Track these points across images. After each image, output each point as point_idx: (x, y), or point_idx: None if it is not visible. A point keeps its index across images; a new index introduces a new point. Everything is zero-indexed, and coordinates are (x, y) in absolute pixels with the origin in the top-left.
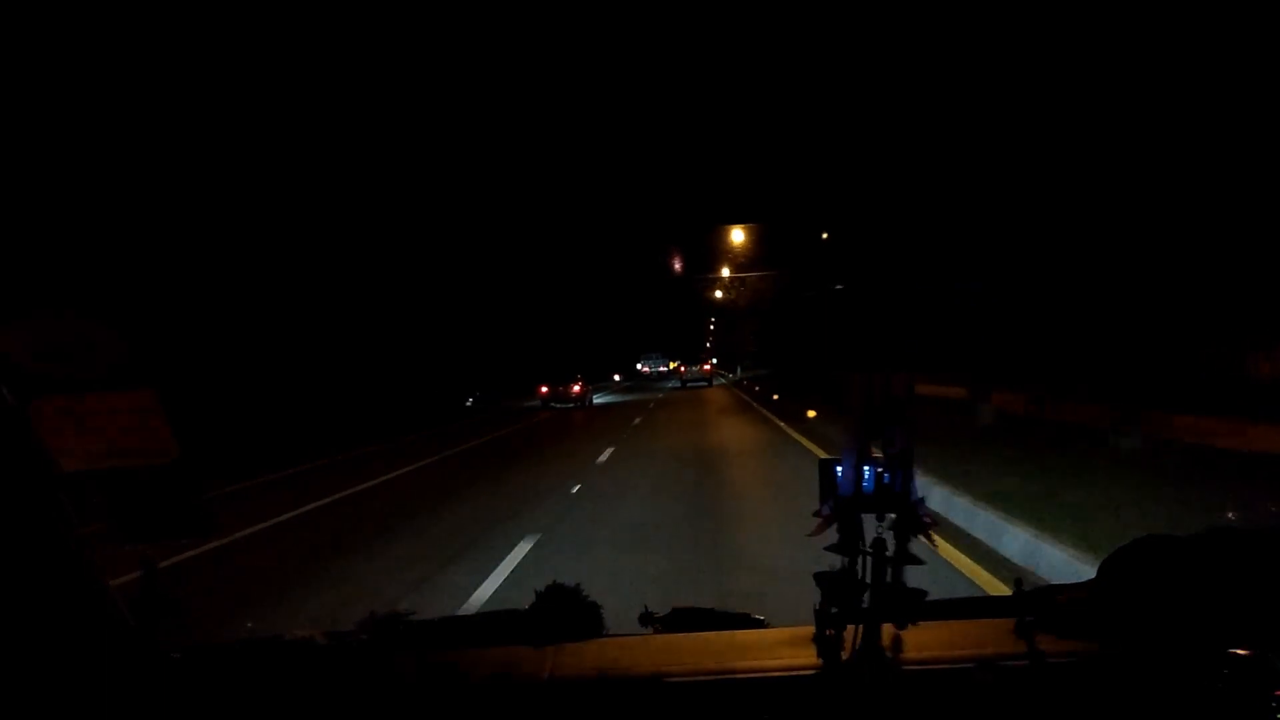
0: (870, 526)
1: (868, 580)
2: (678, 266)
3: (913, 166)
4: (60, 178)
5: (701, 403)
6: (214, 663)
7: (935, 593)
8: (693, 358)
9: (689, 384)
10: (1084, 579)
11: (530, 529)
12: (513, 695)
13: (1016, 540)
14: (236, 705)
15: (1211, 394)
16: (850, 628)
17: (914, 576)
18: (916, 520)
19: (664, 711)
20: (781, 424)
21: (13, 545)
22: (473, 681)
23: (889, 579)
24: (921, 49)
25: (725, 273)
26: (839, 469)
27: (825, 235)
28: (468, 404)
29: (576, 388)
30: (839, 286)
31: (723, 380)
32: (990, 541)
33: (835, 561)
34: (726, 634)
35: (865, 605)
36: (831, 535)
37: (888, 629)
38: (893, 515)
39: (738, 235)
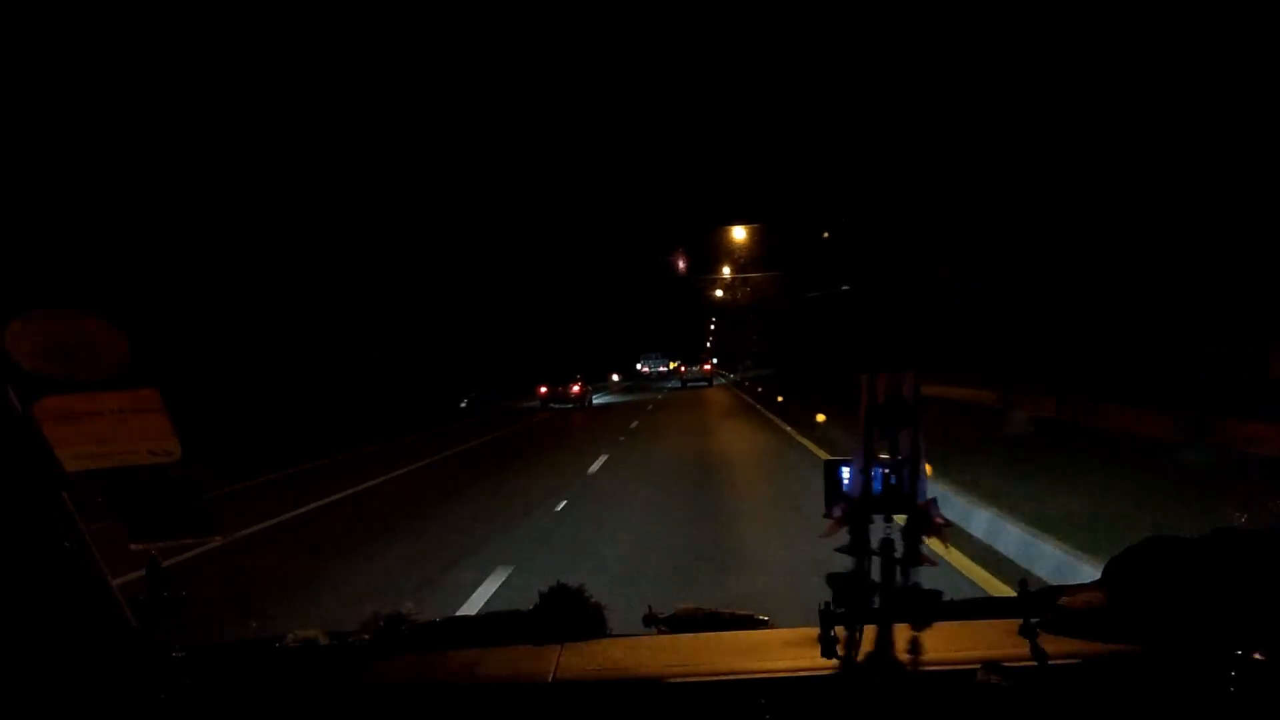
0: (882, 529)
1: (879, 581)
2: (680, 266)
3: (915, 166)
4: (62, 178)
5: (702, 404)
6: (216, 663)
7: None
8: (693, 358)
9: (689, 384)
10: None
11: (502, 559)
12: (517, 696)
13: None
14: (239, 705)
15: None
16: (857, 629)
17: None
18: (928, 522)
19: (669, 712)
20: (788, 429)
21: (16, 545)
22: (476, 682)
23: (900, 580)
24: (923, 50)
25: (726, 272)
26: (843, 470)
27: (826, 235)
28: (462, 405)
29: (576, 388)
30: (845, 287)
31: (723, 380)
32: (1061, 578)
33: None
34: (730, 634)
35: (876, 606)
36: (841, 538)
37: (900, 630)
38: (903, 517)
39: (739, 235)
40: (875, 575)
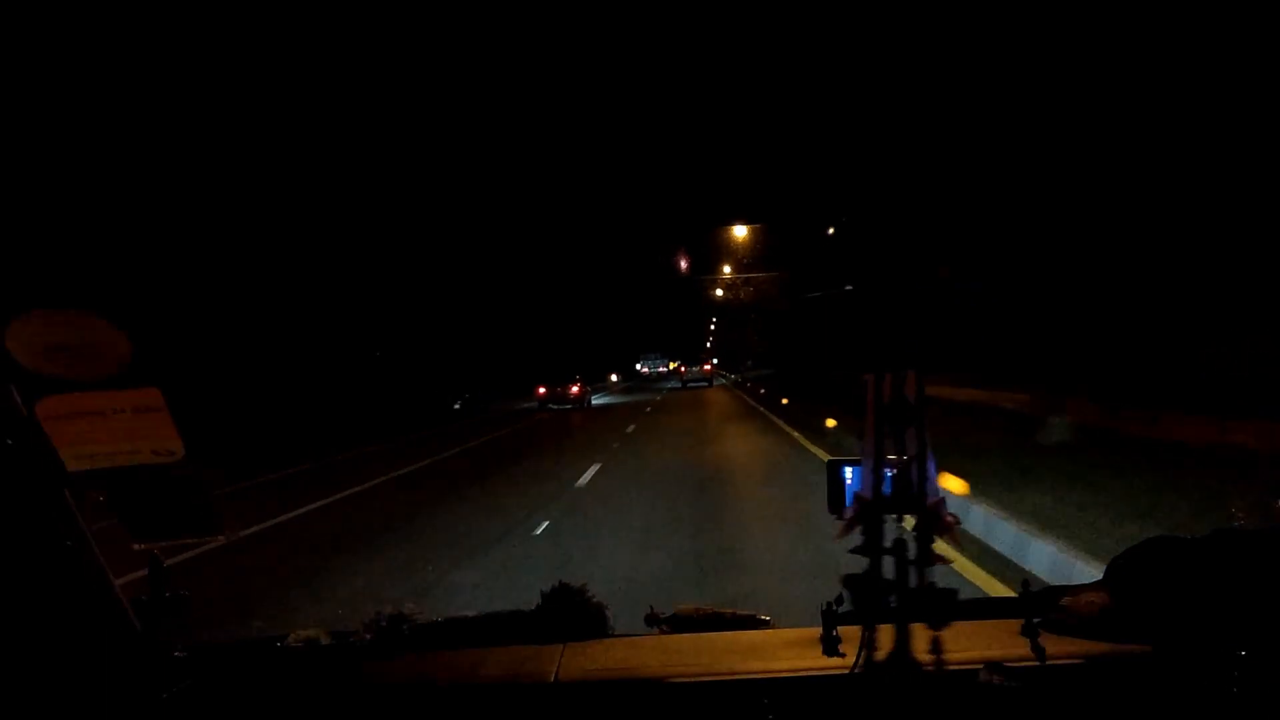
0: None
1: (893, 582)
2: (683, 266)
3: (915, 166)
4: (63, 178)
5: (702, 406)
6: (218, 662)
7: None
8: (693, 358)
9: (689, 384)
10: None
11: (464, 600)
12: (519, 696)
13: None
14: (241, 705)
15: None
16: (858, 629)
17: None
18: (938, 520)
19: (672, 713)
20: (795, 434)
21: (18, 544)
22: (478, 682)
23: (915, 579)
24: (924, 49)
25: (727, 271)
26: (846, 469)
27: (831, 231)
28: (456, 406)
29: (575, 389)
30: (848, 287)
31: (723, 381)
32: None
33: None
34: (732, 635)
35: (894, 605)
36: (852, 539)
37: (902, 631)
38: (913, 516)
39: (740, 234)
40: (884, 576)
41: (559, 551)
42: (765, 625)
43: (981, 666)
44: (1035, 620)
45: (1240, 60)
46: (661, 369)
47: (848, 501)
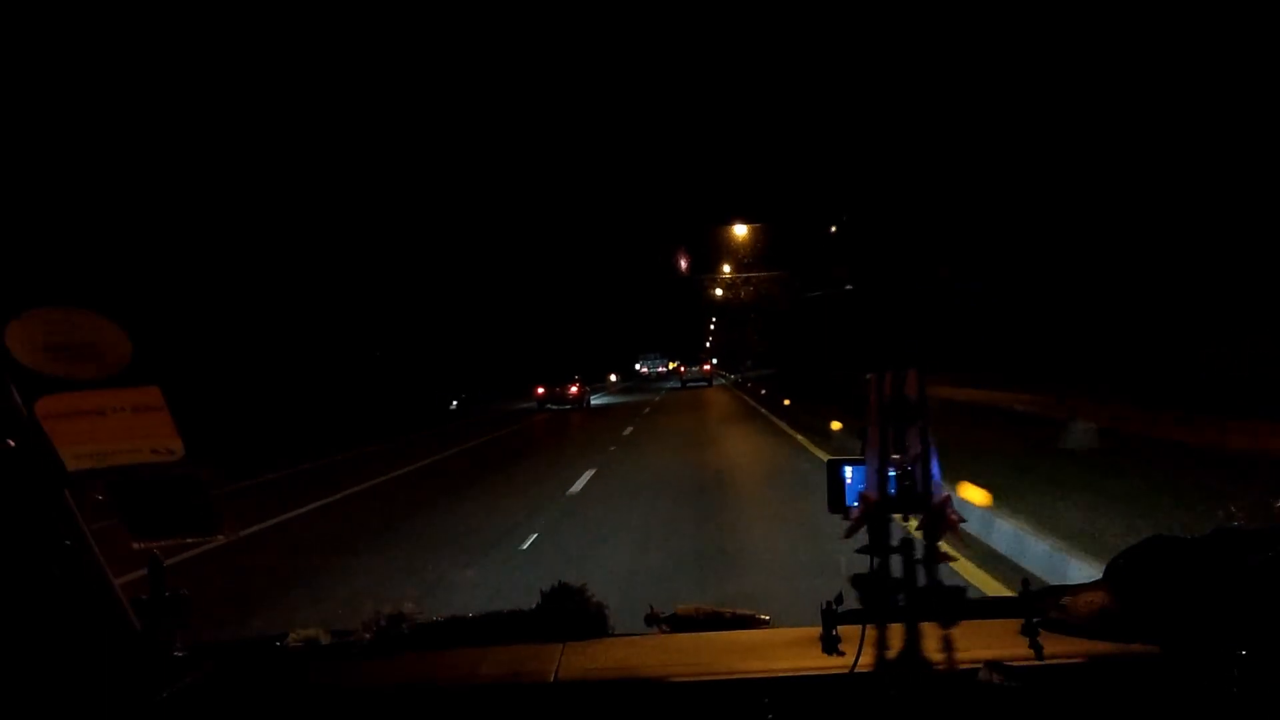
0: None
1: (900, 581)
2: (683, 265)
3: (916, 165)
4: (63, 178)
5: (702, 406)
6: (218, 661)
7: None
8: (692, 358)
9: (689, 384)
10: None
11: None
12: (519, 695)
13: None
14: (241, 704)
15: None
16: (858, 628)
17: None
18: (943, 519)
19: (672, 712)
20: (799, 437)
21: (18, 544)
22: (478, 681)
23: (926, 578)
24: (925, 49)
25: (726, 270)
26: (846, 469)
27: (833, 229)
28: (452, 407)
29: (574, 389)
30: (848, 286)
31: (723, 381)
32: None
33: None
34: (732, 634)
35: (903, 604)
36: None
37: (903, 630)
38: (918, 515)
39: (740, 233)
40: (891, 575)
41: (544, 564)
42: (764, 625)
43: (981, 666)
44: (1035, 620)
45: (1241, 61)
46: (661, 369)
47: (848, 501)
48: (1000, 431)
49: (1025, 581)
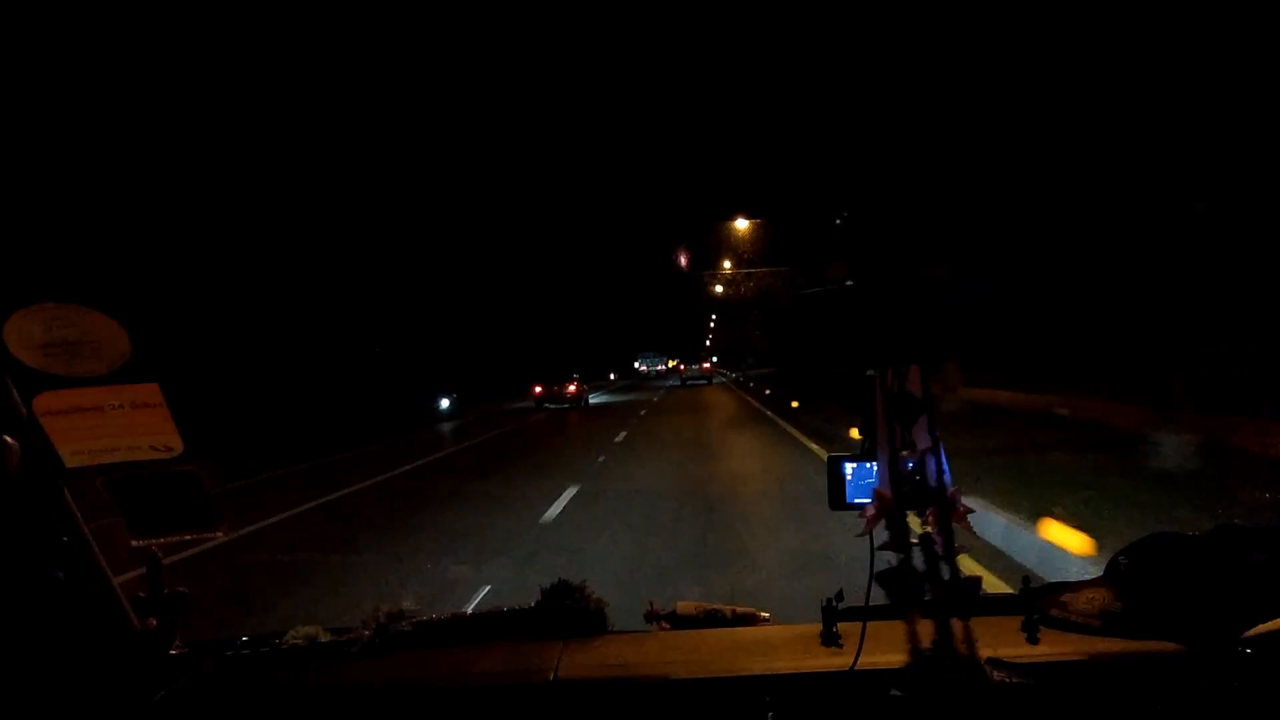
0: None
1: (922, 576)
2: (682, 262)
3: (917, 163)
4: (64, 176)
5: (703, 408)
6: (217, 659)
7: None
8: (692, 356)
9: (688, 382)
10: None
11: None
12: (519, 693)
13: None
14: (240, 702)
15: None
16: (858, 625)
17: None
18: (954, 511)
19: (672, 709)
20: (814, 446)
21: (18, 542)
22: (478, 679)
23: (945, 572)
24: (929, 44)
25: (727, 266)
26: (846, 465)
27: (839, 220)
28: (443, 407)
29: (572, 388)
30: (849, 282)
31: (723, 379)
32: None
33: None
34: (732, 631)
35: (929, 599)
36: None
37: (901, 626)
38: (931, 509)
39: (740, 229)
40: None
41: None
42: (765, 622)
43: (983, 663)
44: (1036, 617)
45: (1241, 62)
46: (660, 367)
47: (849, 498)
48: (1059, 443)
49: (1026, 579)
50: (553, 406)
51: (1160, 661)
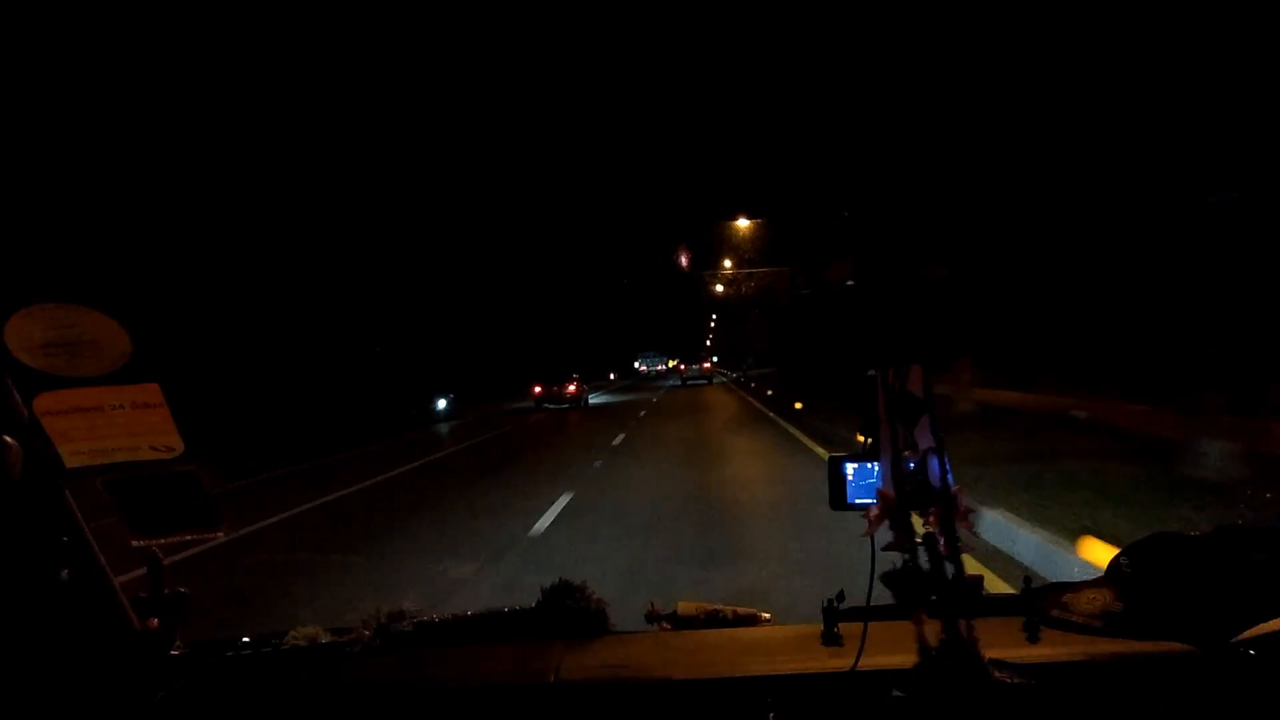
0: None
1: (927, 575)
2: (683, 262)
3: (917, 163)
4: (63, 176)
5: (704, 409)
6: (218, 660)
7: None
8: (692, 356)
9: (689, 382)
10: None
11: None
12: (519, 693)
13: None
14: (240, 702)
15: None
16: (859, 626)
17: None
18: (956, 510)
19: (674, 710)
20: (821, 451)
21: (19, 542)
22: (478, 679)
23: (950, 571)
24: (930, 43)
25: (728, 266)
26: (847, 465)
27: (841, 216)
28: (439, 407)
29: (571, 388)
30: (849, 282)
31: (723, 379)
32: None
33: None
34: (733, 632)
35: (905, 602)
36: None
37: (904, 627)
38: (933, 509)
39: (741, 228)
40: (919, 570)
41: None
42: (765, 622)
43: (984, 663)
44: (1037, 617)
45: (1242, 62)
46: (660, 367)
47: (849, 498)
48: (1083, 449)
49: (1027, 579)
50: (552, 407)
51: (1162, 662)
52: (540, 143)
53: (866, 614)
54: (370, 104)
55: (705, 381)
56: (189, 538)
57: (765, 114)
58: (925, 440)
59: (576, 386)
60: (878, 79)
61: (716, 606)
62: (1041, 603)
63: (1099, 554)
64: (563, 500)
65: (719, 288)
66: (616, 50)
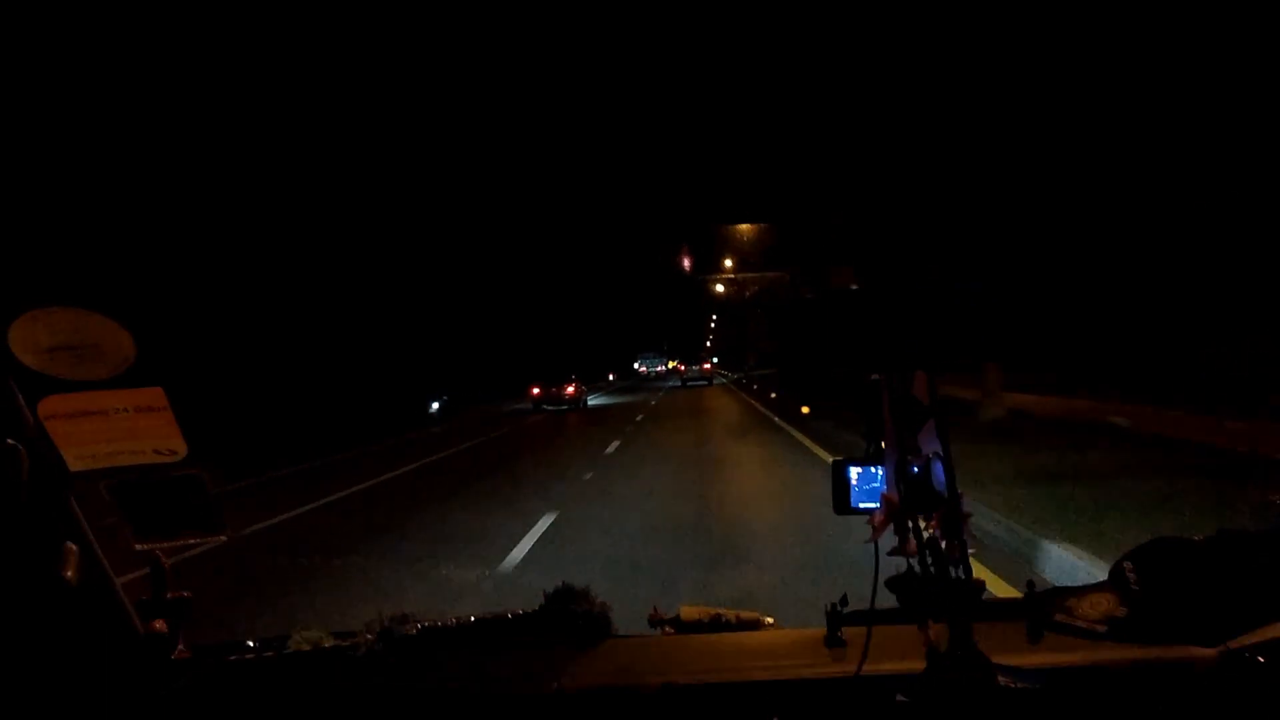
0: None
1: (930, 580)
2: (686, 265)
3: (917, 164)
4: (65, 179)
5: (704, 413)
6: (220, 663)
7: None
8: (692, 356)
9: (689, 383)
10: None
11: None
12: (524, 697)
13: None
14: (242, 706)
15: None
16: (863, 630)
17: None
18: (960, 514)
19: (676, 715)
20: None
21: (20, 545)
22: (484, 684)
23: (954, 575)
24: (930, 48)
25: (729, 266)
26: (851, 469)
27: (840, 217)
28: (432, 409)
29: (570, 389)
30: (853, 286)
31: (723, 380)
32: None
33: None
34: (736, 636)
35: (908, 606)
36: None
37: (908, 631)
38: (936, 512)
39: (743, 229)
40: (922, 575)
41: None
42: (768, 627)
43: (988, 667)
44: (1041, 621)
45: (1242, 63)
46: (660, 368)
47: (853, 503)
48: (1141, 464)
49: (1030, 583)
50: (550, 408)
51: (1166, 667)
52: (541, 144)
53: (870, 618)
54: (371, 106)
55: (705, 383)
56: (193, 541)
57: (765, 115)
58: (930, 444)
59: (575, 388)
60: (877, 80)
61: (719, 611)
62: (1045, 607)
63: None
64: (544, 522)
65: (719, 288)
66: (617, 53)
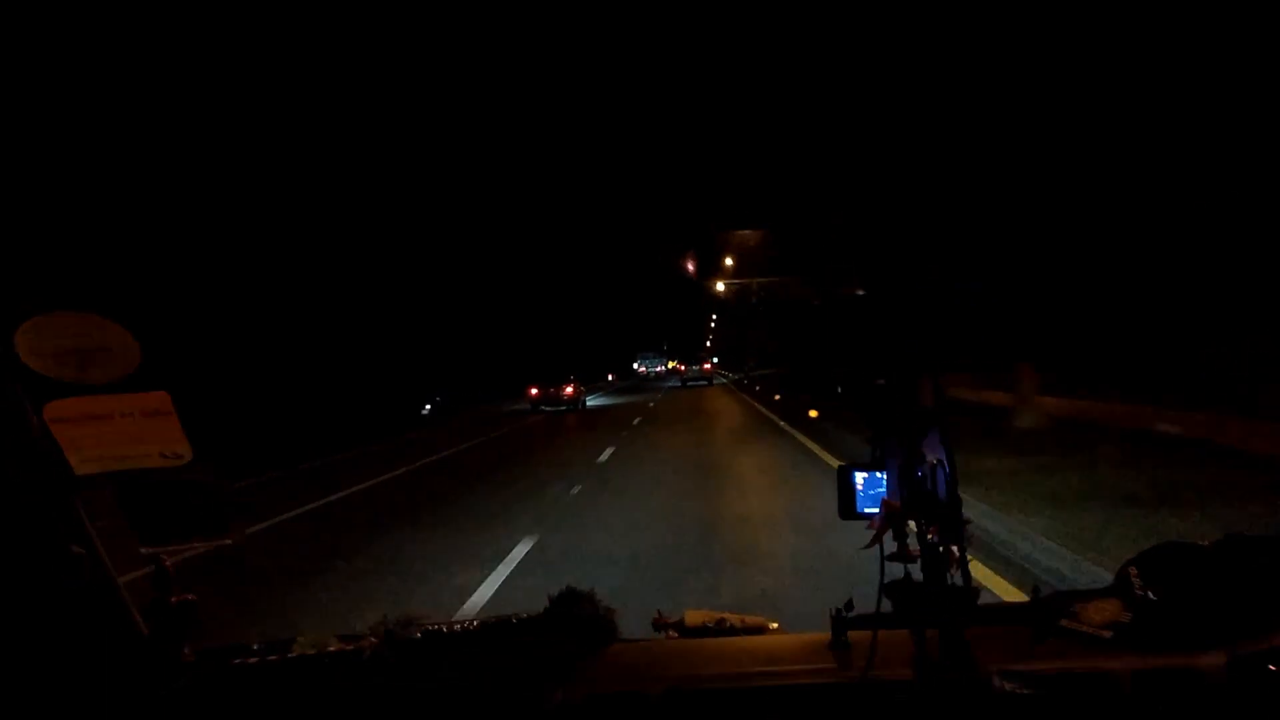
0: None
1: (928, 585)
2: (690, 268)
3: (918, 166)
4: (67, 181)
5: (704, 415)
6: (224, 666)
7: None
8: (692, 357)
9: (689, 383)
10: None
11: None
12: (529, 701)
13: None
14: (246, 709)
15: None
16: (868, 634)
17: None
18: (960, 520)
19: (682, 719)
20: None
21: (26, 548)
22: (487, 687)
23: (952, 579)
24: (930, 50)
25: (729, 266)
26: (856, 474)
27: (840, 219)
28: (425, 410)
29: (569, 389)
30: (859, 291)
31: (723, 380)
32: None
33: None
34: (741, 640)
35: (911, 610)
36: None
37: (912, 636)
38: (937, 519)
39: (742, 234)
40: (920, 581)
41: None
42: (774, 631)
43: (992, 673)
44: (1045, 627)
45: (1242, 63)
46: (659, 368)
47: (858, 508)
48: (1219, 484)
49: (1036, 588)
50: (549, 409)
51: (1170, 674)
52: (541, 144)
53: (875, 622)
54: (371, 107)
55: (705, 383)
56: (199, 545)
57: (764, 115)
58: (935, 451)
59: (574, 388)
60: (877, 80)
61: (724, 615)
62: (1051, 613)
63: None
64: (521, 550)
65: (720, 288)
66: (618, 54)
